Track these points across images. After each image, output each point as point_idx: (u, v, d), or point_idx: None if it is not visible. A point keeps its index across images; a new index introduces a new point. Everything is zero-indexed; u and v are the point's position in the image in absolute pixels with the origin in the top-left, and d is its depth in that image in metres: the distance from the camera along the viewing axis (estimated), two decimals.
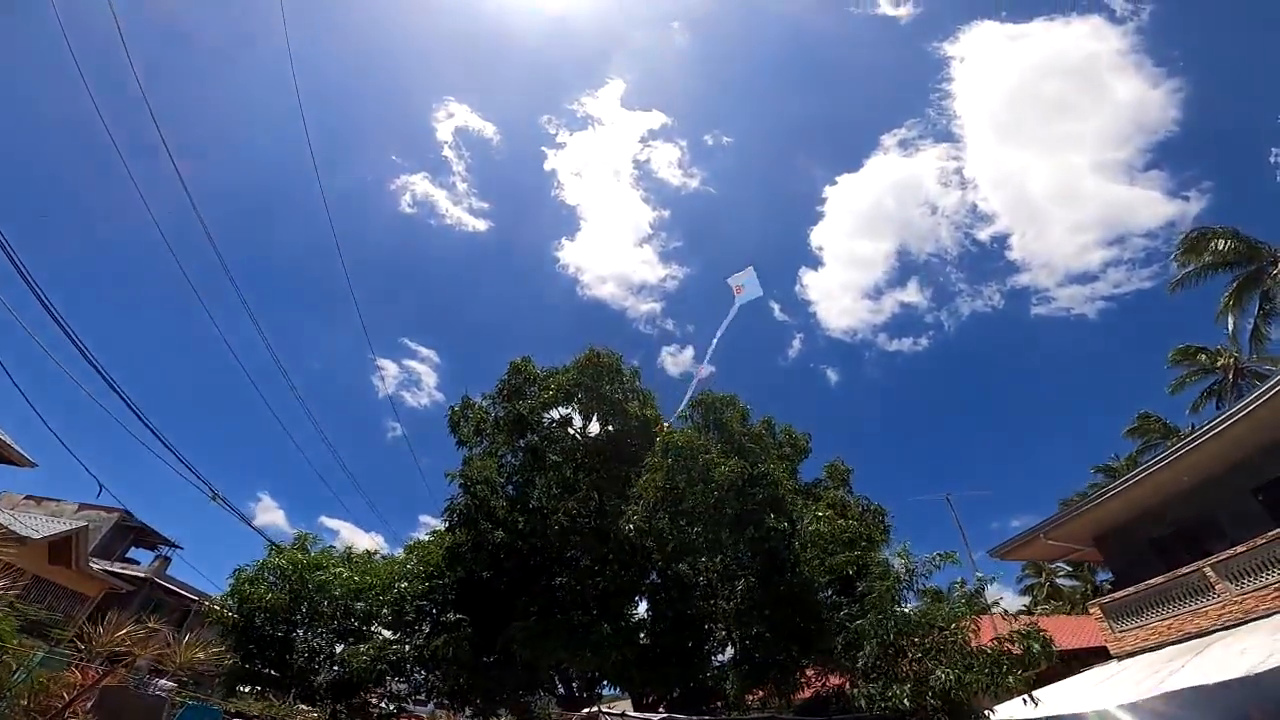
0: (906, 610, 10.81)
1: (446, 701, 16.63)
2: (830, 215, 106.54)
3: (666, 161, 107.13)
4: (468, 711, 17.43)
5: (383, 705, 16.83)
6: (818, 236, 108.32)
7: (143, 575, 21.66)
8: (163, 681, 9.79)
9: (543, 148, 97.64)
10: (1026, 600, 32.88)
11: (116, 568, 21.36)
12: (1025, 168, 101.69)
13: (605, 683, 16.51)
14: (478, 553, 14.69)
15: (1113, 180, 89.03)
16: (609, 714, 10.24)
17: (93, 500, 20.75)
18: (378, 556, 19.51)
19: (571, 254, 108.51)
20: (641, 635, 14.50)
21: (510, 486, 15.75)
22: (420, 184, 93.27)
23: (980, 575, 10.94)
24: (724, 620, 13.83)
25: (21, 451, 17.24)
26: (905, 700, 9.44)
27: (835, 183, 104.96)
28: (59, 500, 22.31)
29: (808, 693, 13.51)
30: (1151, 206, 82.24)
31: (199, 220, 10.78)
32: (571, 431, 16.10)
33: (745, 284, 13.85)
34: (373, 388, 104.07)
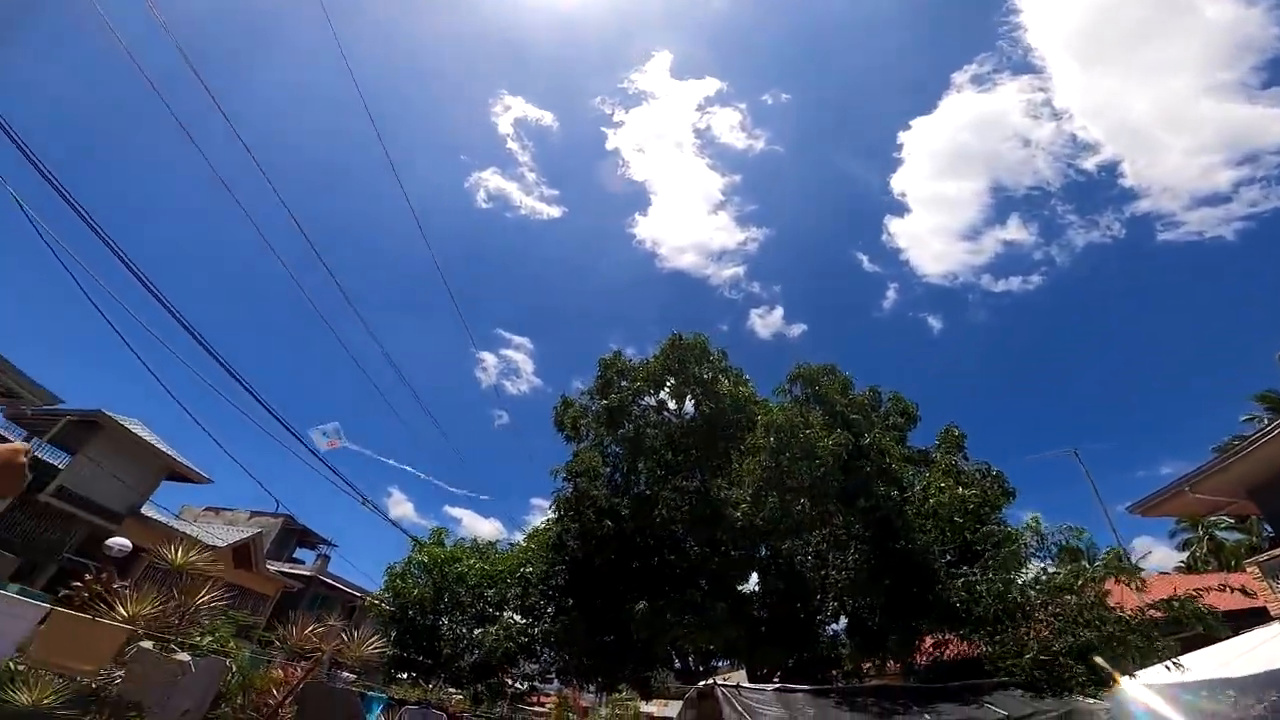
0: (1034, 574, 10.50)
1: (572, 679, 17.85)
2: (909, 160, 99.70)
3: (727, 126, 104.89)
4: (591, 688, 18.60)
5: (516, 685, 18.37)
6: (898, 182, 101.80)
7: (309, 574, 24.78)
8: (345, 674, 11.33)
9: (602, 128, 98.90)
10: (1184, 556, 29.56)
11: (286, 568, 24.61)
12: (1121, 95, 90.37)
13: (720, 656, 17.01)
14: (585, 541, 15.48)
15: (1228, 100, 77.46)
16: (724, 685, 10.68)
17: (261, 508, 24.12)
18: (502, 544, 20.98)
19: (646, 229, 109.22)
20: (754, 609, 14.78)
21: (616, 474, 16.39)
22: (492, 179, 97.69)
23: (1112, 548, 10.28)
24: (835, 590, 13.84)
25: (199, 471, 20.36)
26: (1030, 666, 9.21)
27: (909, 127, 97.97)
28: (233, 509, 25.74)
29: (930, 660, 13.35)
30: None
31: (313, 249, 12.31)
32: (666, 415, 16.56)
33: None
34: (475, 380, 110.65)
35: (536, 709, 17.47)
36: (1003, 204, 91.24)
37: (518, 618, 17.69)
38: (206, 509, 25.44)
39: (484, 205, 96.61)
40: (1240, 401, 25.05)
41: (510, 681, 18.41)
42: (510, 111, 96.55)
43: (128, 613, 7.99)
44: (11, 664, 6.82)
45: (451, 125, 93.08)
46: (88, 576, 9.39)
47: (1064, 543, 9.96)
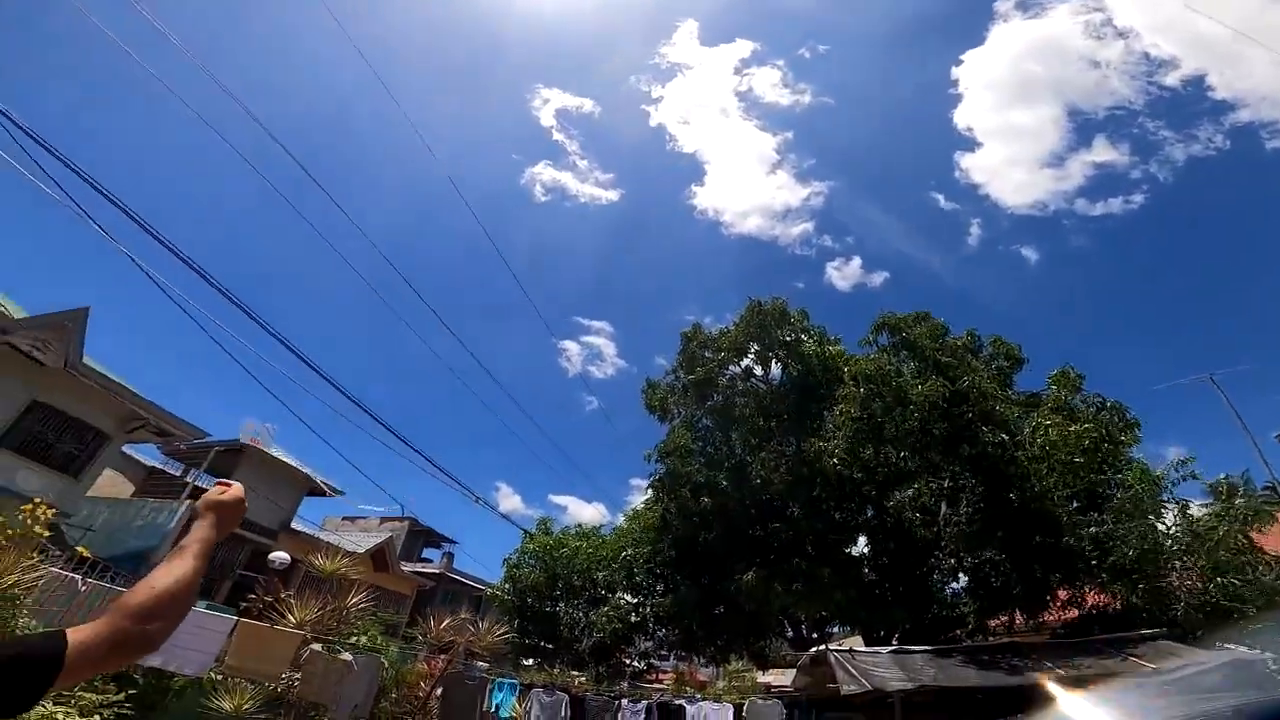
0: (1173, 515, 9.73)
1: (684, 654, 18.45)
2: (968, 94, 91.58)
3: (769, 85, 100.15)
4: (704, 661, 19.15)
5: (634, 663, 19.25)
6: (961, 118, 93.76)
7: (437, 571, 27.06)
8: (480, 663, 12.42)
9: (643, 106, 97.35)
10: None
11: (417, 568, 26.99)
12: (1185, 10, 77.20)
13: (833, 622, 16.95)
14: (686, 518, 15.74)
15: None
16: (836, 650, 10.69)
17: (388, 513, 26.54)
18: (604, 528, 21.68)
19: (706, 199, 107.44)
20: (865, 571, 14.55)
21: (709, 447, 16.53)
22: (545, 171, 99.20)
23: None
24: (950, 546, 13.42)
25: (333, 485, 22.60)
26: (1180, 617, 8.56)
27: (961, 62, 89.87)
28: (365, 517, 28.41)
29: (1064, 615, 12.66)
30: None
31: (387, 261, 13.28)
32: (754, 382, 16.49)
33: None
34: (560, 368, 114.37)
35: (656, 685, 18.25)
36: (1083, 127, 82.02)
37: (628, 597, 18.42)
38: (344, 519, 28.26)
39: (543, 199, 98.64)
40: None
41: (627, 660, 19.28)
42: (550, 104, 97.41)
43: (296, 619, 9.26)
44: (212, 673, 8.09)
45: (497, 126, 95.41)
46: (257, 590, 10.93)
47: (1216, 483, 9.12)
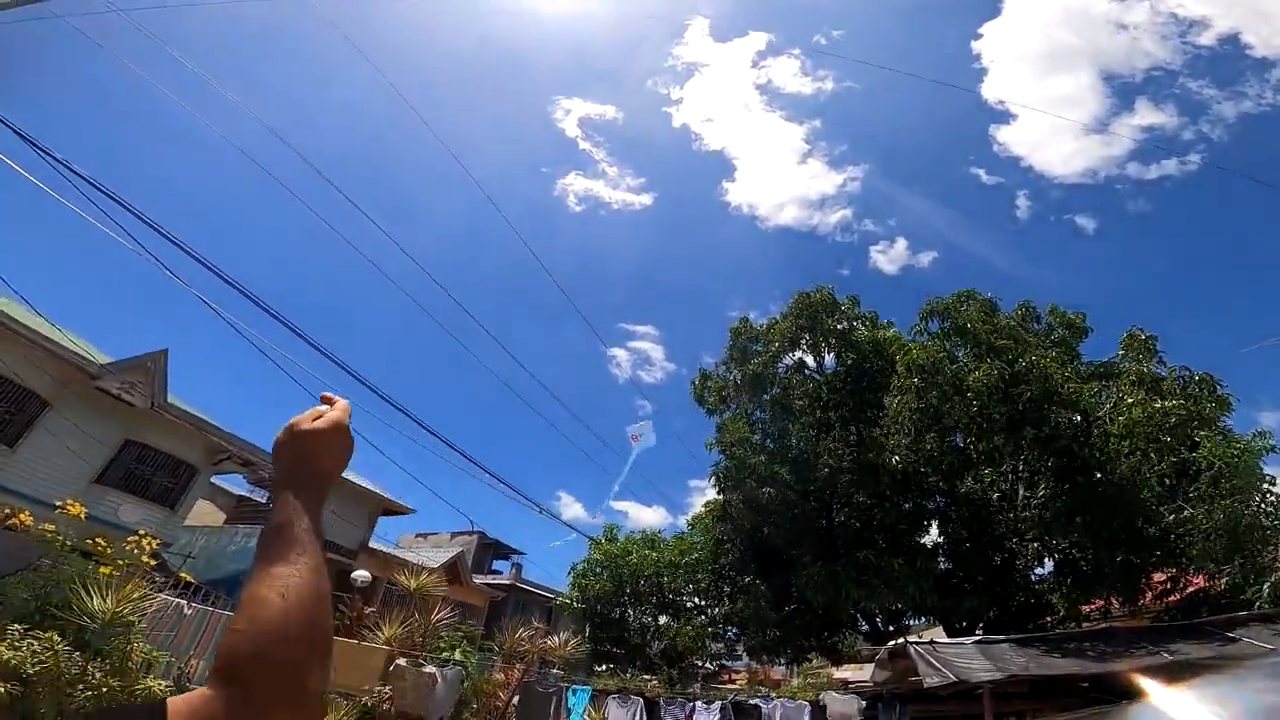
0: (1268, 495, 9.02)
1: (761, 656, 18.21)
2: (994, 66, 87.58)
3: (789, 75, 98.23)
4: (781, 660, 18.86)
5: (707, 665, 19.19)
6: (991, 90, 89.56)
7: (508, 582, 27.74)
8: (554, 671, 12.70)
9: (664, 109, 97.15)
10: None
11: (489, 580, 27.76)
12: None
13: (910, 614, 16.43)
14: (750, 512, 15.56)
15: None
16: (916, 643, 10.37)
17: (463, 528, 27.42)
18: (665, 533, 21.58)
19: (739, 194, 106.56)
20: (941, 562, 14.07)
21: (767, 440, 16.33)
22: (576, 181, 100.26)
23: None
24: (1032, 532, 12.84)
25: (403, 504, 23.55)
26: (1266, 595, 7.94)
27: (980, 35, 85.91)
28: (436, 533, 29.43)
29: (1166, 600, 11.90)
30: None
31: (442, 289, 13.73)
32: (809, 374, 16.29)
33: None
34: (611, 375, 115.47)
35: (729, 686, 18.15)
36: (1122, 91, 77.01)
37: (698, 600, 18.41)
38: (416, 535, 29.41)
39: (577, 209, 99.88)
40: None
41: (700, 663, 19.25)
42: (572, 114, 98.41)
43: (384, 635, 9.72)
44: None
45: (525, 140, 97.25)
46: (343, 608, 11.52)
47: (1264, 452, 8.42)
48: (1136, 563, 10.80)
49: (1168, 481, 10.47)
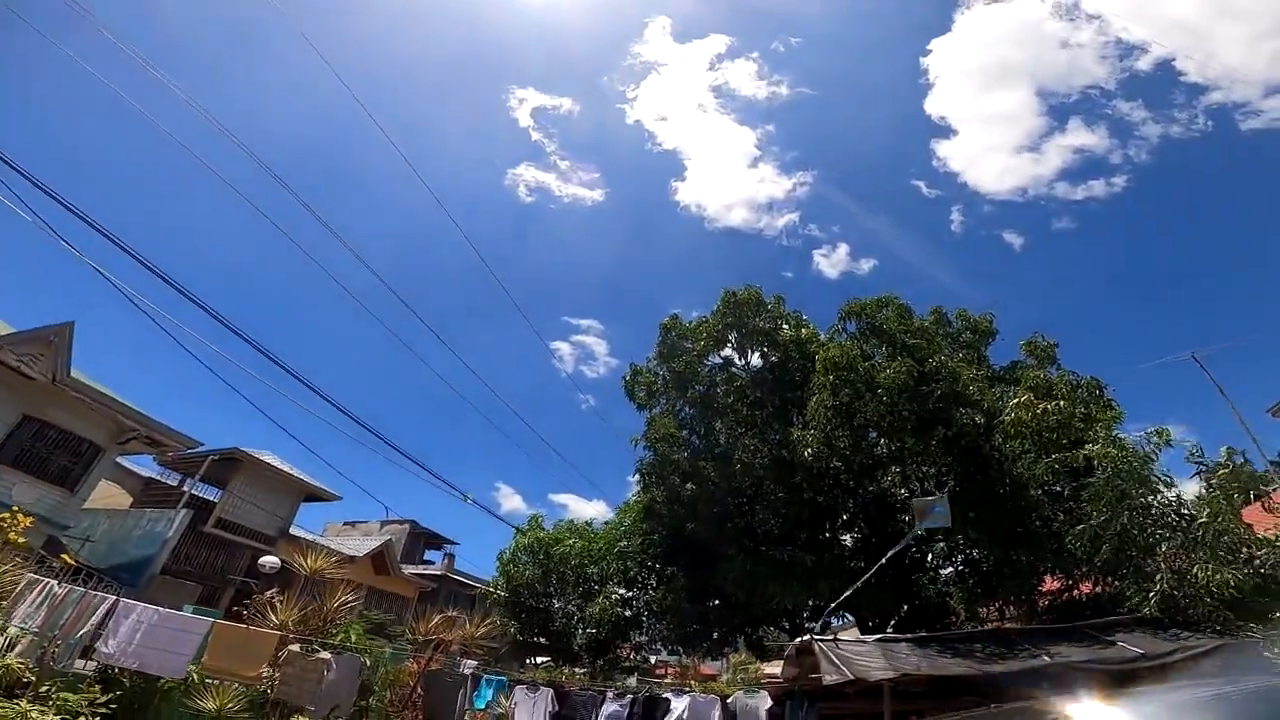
0: (1160, 500, 9.49)
1: (680, 648, 18.35)
2: (939, 83, 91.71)
3: (745, 78, 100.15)
4: (701, 654, 19.02)
5: (632, 657, 19.21)
6: (935, 106, 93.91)
7: (439, 573, 27.24)
8: (469, 661, 12.46)
9: (618, 105, 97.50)
10: None
11: (420, 569, 27.17)
12: None
13: (836, 612, 16.82)
14: (674, 507, 15.68)
15: None
16: (821, 639, 10.60)
17: (385, 517, 26.73)
18: (597, 522, 21.47)
19: (688, 194, 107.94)
20: (851, 560, 14.36)
21: (694, 436, 16.44)
22: (527, 172, 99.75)
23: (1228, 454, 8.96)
24: (939, 531, 13.33)
25: (329, 490, 22.81)
26: (1152, 605, 8.39)
27: (928, 51, 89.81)
28: (366, 521, 28.63)
29: (1049, 602, 12.51)
30: None
31: (375, 275, 13.33)
32: (734, 371, 16.50)
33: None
34: (554, 369, 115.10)
35: (658, 680, 18.23)
36: (1057, 110, 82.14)
37: (622, 591, 18.37)
38: (345, 524, 28.57)
39: (527, 200, 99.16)
40: None
41: (624, 654, 19.26)
42: (526, 104, 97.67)
43: (278, 620, 9.34)
44: (195, 674, 8.19)
45: (476, 128, 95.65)
46: (254, 594, 11.02)
47: (1155, 451, 8.96)
48: (1030, 565, 11.29)
49: (1058, 485, 11.02)
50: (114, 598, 8.43)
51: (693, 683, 16.70)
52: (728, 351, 16.40)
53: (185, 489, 19.19)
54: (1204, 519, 8.59)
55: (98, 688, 7.38)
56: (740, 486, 15.17)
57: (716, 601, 15.79)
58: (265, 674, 8.31)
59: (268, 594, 10.74)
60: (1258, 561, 7.83)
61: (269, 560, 15.35)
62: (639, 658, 19.66)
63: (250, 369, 12.26)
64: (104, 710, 6.94)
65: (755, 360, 16.24)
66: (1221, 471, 8.63)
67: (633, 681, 16.94)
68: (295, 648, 8.66)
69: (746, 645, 18.25)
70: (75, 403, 14.54)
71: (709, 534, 15.40)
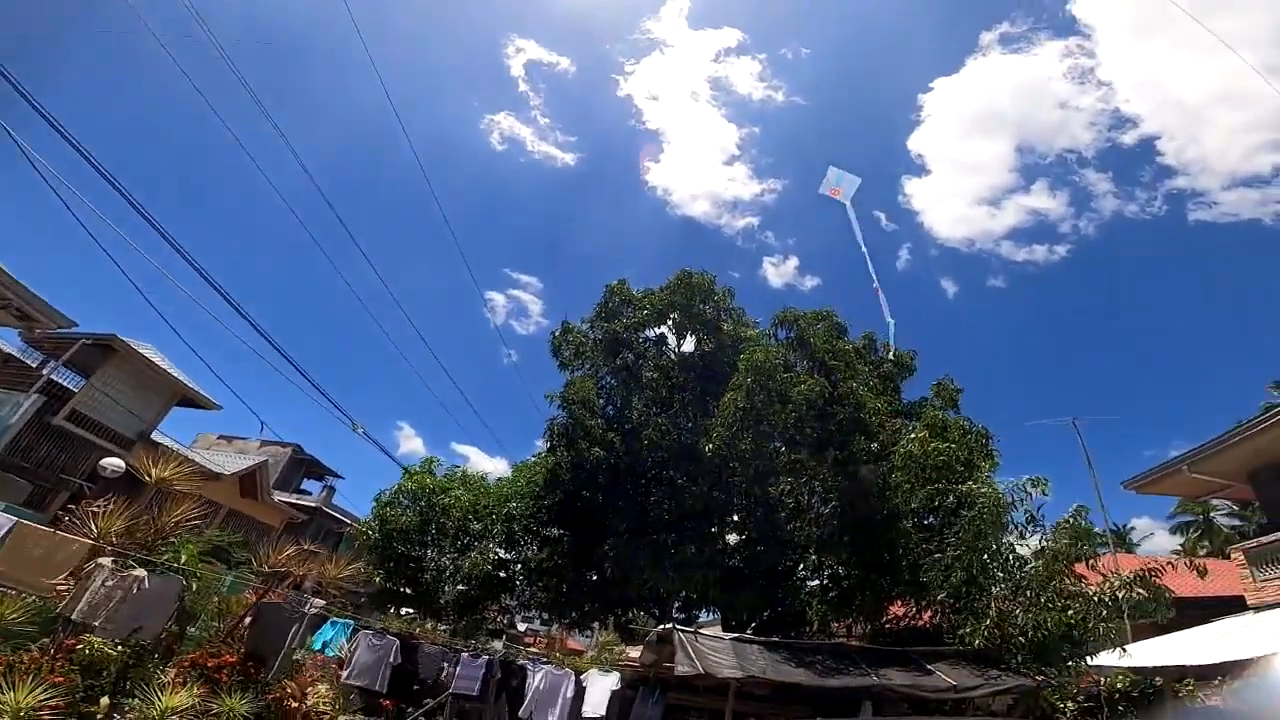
0: (1004, 544, 10.11)
1: (549, 616, 18.13)
2: (929, 121, 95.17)
3: (746, 76, 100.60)
4: (568, 625, 18.94)
5: (499, 620, 18.83)
6: (918, 144, 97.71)
7: (313, 505, 25.72)
8: (318, 600, 11.70)
9: (614, 75, 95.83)
10: (1180, 540, 28.90)
11: (293, 498, 25.57)
12: (1173, 67, 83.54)
13: (701, 604, 17.12)
14: (577, 472, 15.39)
15: None
16: (681, 630, 10.70)
17: (264, 436, 24.89)
18: (492, 478, 20.71)
19: (658, 176, 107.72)
20: (730, 558, 14.54)
21: (609, 406, 16.31)
22: (505, 121, 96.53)
23: (1070, 516, 9.72)
24: (813, 545, 13.50)
25: (208, 396, 20.93)
26: (980, 639, 8.97)
27: (930, 89, 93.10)
28: (245, 438, 26.27)
29: (894, 625, 13.24)
30: None
31: (313, 182, 12.03)
32: (666, 350, 16.38)
33: (840, 184, 13.54)
34: (484, 318, 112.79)
35: (532, 651, 17.94)
36: (1029, 169, 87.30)
37: (501, 551, 17.85)
38: (220, 437, 26.42)
39: (499, 148, 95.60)
40: (1260, 389, 24.06)
41: (491, 615, 18.89)
42: (523, 54, 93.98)
43: (98, 529, 8.32)
44: None
45: (465, 66, 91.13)
46: (86, 499, 9.77)
47: (1024, 497, 9.56)
48: (886, 589, 11.84)
49: (930, 518, 11.57)
50: None
51: (556, 654, 16.69)
52: (664, 330, 16.26)
53: (45, 372, 16.99)
54: (1034, 566, 9.26)
55: None
56: (643, 465, 15.09)
57: (594, 576, 15.71)
58: (62, 586, 7.38)
59: (98, 501, 9.63)
60: (1071, 612, 8.50)
61: (111, 462, 13.84)
62: (505, 621, 19.28)
63: (137, 245, 10.64)
64: None
65: (689, 345, 16.18)
66: (1063, 526, 9.33)
67: (498, 645, 16.63)
68: (107, 561, 7.75)
69: (615, 626, 18.34)
70: None
71: (605, 505, 15.20)
